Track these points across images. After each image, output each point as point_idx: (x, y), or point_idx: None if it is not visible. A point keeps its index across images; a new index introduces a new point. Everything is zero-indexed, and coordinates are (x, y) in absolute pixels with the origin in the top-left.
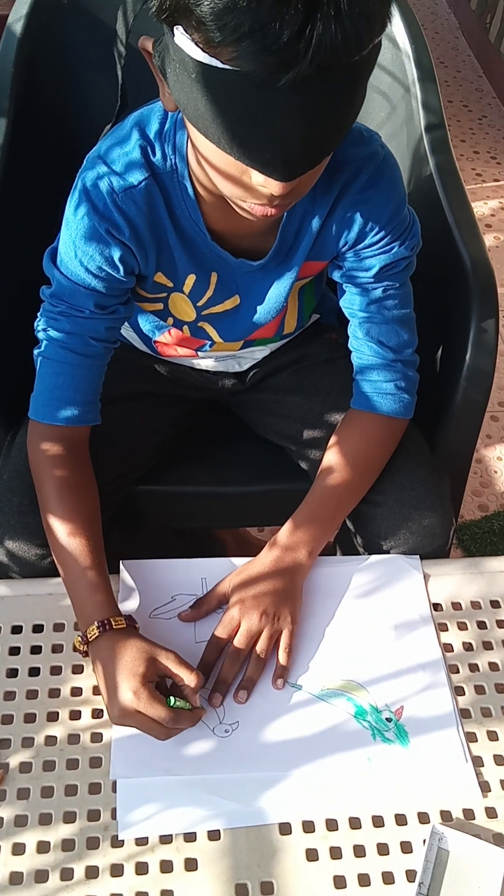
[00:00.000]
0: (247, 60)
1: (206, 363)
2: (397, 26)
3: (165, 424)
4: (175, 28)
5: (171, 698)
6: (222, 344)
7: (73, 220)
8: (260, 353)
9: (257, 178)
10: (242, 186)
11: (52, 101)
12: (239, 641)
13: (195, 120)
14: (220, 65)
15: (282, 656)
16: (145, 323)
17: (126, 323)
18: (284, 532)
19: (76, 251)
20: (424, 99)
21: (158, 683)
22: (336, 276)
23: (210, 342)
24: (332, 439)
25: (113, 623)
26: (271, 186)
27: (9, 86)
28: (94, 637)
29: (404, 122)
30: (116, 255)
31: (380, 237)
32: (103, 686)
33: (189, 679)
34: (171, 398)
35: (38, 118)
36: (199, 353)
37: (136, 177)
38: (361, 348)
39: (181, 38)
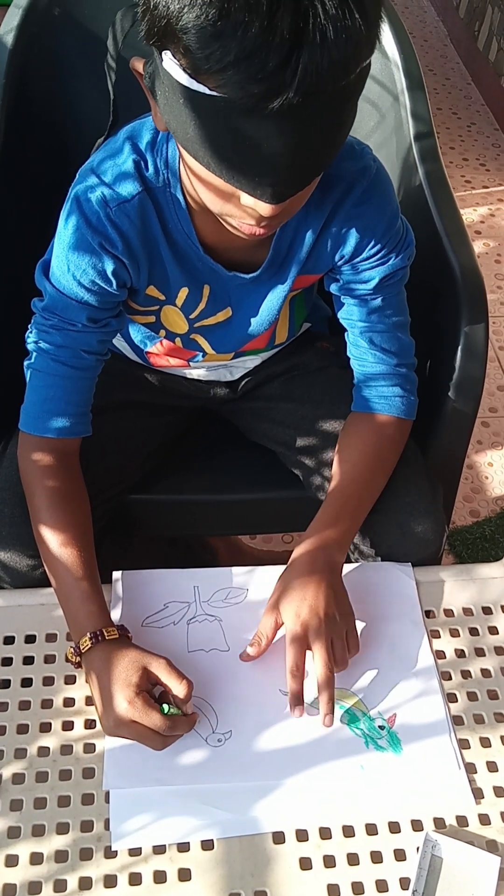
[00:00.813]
0: (233, 88)
1: (197, 373)
2: (386, 36)
3: (157, 433)
4: (164, 53)
5: (165, 706)
6: (214, 355)
7: (66, 233)
8: (251, 362)
9: (246, 200)
10: (232, 206)
11: (43, 111)
12: (320, 657)
13: (184, 143)
14: (206, 91)
15: (351, 651)
16: (136, 334)
17: (119, 335)
18: (312, 533)
19: (68, 264)
20: (413, 108)
21: (149, 692)
22: (333, 288)
23: (202, 353)
24: (344, 440)
25: (105, 634)
26: (260, 208)
27: (0, 96)
28: (86, 648)
29: (394, 130)
30: (109, 268)
31: (376, 250)
32: (97, 697)
33: (178, 689)
34: (163, 407)
35: (30, 129)
36: (190, 363)
37: (129, 190)
38: (365, 356)
39: (169, 63)
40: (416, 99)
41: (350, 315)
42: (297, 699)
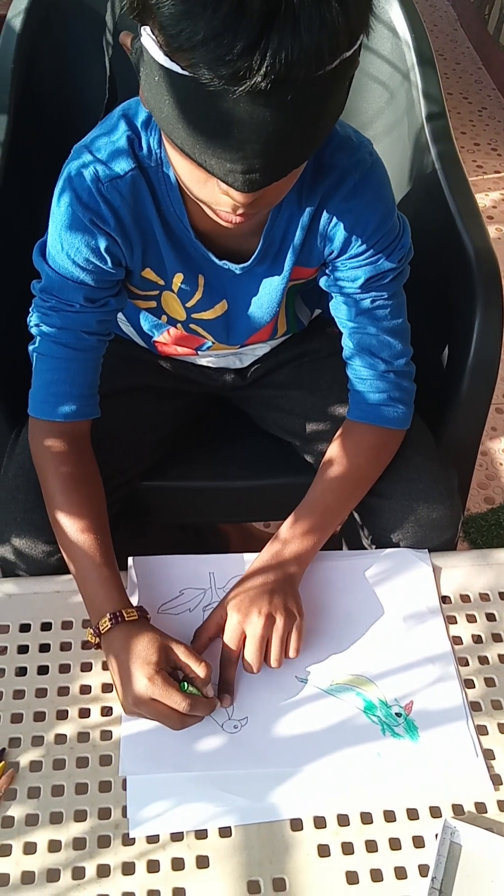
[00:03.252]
0: (202, 69)
1: (206, 360)
2: (396, 15)
3: (169, 418)
4: (143, 28)
5: (185, 684)
6: (220, 344)
7: (58, 212)
8: (260, 350)
9: (221, 187)
10: (208, 191)
11: (51, 96)
12: (249, 654)
13: (161, 121)
14: (179, 70)
15: (291, 653)
16: (144, 322)
17: (127, 321)
18: (275, 544)
19: (62, 243)
20: (425, 88)
21: (169, 673)
22: (324, 284)
23: (208, 342)
24: (328, 450)
25: (125, 614)
26: (233, 195)
27: (9, 82)
28: (106, 629)
29: (405, 111)
30: (102, 245)
31: (364, 248)
32: (117, 676)
33: (199, 669)
34: (174, 392)
35: (39, 114)
36: (198, 352)
37: (121, 167)
38: (353, 359)
39: (147, 39)
40: (428, 78)
41: (340, 313)
42: (227, 686)
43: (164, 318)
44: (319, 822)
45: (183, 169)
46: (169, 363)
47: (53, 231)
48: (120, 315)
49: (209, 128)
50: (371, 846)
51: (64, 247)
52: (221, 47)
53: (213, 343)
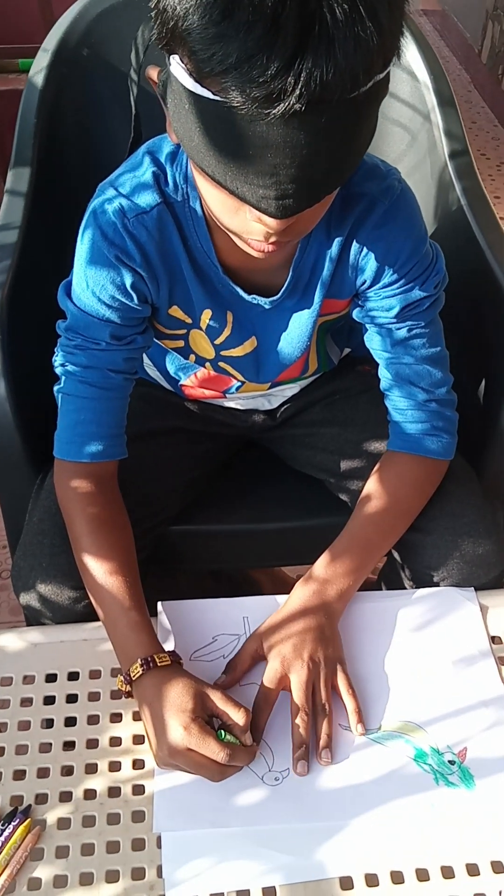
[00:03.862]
0: (234, 92)
1: (234, 403)
2: (414, 57)
3: (197, 461)
4: (172, 57)
5: (222, 732)
6: (249, 385)
7: (82, 249)
8: (290, 390)
9: (253, 214)
10: (240, 221)
11: (74, 149)
12: (298, 699)
13: (191, 151)
14: (210, 95)
15: (349, 701)
16: (171, 365)
17: (153, 365)
18: (311, 573)
19: (87, 280)
20: (446, 127)
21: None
22: (357, 315)
23: (237, 384)
24: (367, 483)
25: (157, 660)
26: (266, 222)
27: (32, 135)
28: (137, 676)
29: (427, 152)
30: (128, 281)
31: (397, 277)
32: (150, 725)
33: (237, 717)
34: (202, 434)
35: (62, 166)
36: (226, 394)
37: (147, 201)
38: (392, 390)
39: (177, 68)
40: (449, 117)
41: (375, 344)
42: (259, 732)
43: (192, 357)
44: (371, 880)
45: (213, 198)
46: (196, 406)
47: (78, 269)
48: (146, 359)
49: (241, 154)
50: None
51: (89, 284)
52: (255, 69)
53: (242, 384)
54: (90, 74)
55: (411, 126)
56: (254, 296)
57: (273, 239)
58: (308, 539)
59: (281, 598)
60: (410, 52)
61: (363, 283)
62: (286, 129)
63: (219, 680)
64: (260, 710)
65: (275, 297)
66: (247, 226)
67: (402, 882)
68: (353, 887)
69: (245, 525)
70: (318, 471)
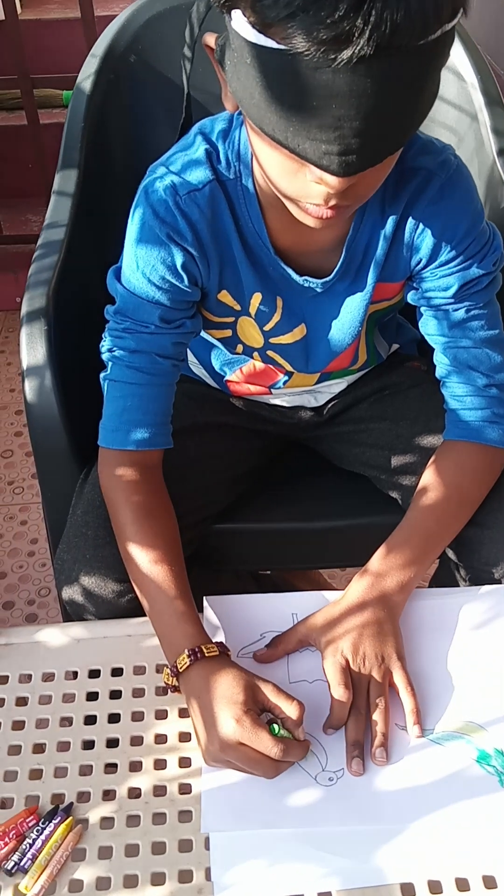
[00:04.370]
0: (300, 37)
1: (280, 400)
2: (460, 58)
3: (242, 457)
4: (232, 12)
5: (275, 726)
6: (297, 378)
7: (133, 228)
8: (337, 386)
9: (314, 173)
10: (299, 184)
11: (119, 153)
12: (357, 692)
13: (251, 110)
14: (274, 45)
15: (408, 700)
16: (216, 360)
17: (198, 361)
18: (369, 566)
19: (137, 261)
20: (494, 124)
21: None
22: (412, 298)
23: (285, 377)
24: (424, 473)
25: (205, 650)
26: (328, 180)
27: (79, 139)
28: (184, 667)
29: (474, 151)
30: (179, 261)
31: (455, 254)
32: (199, 719)
33: (291, 710)
34: (248, 431)
35: (107, 169)
36: (272, 390)
37: (199, 178)
38: (449, 376)
39: (237, 22)
40: (496, 115)
41: (431, 329)
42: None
43: (240, 348)
44: (435, 887)
45: (272, 161)
46: (242, 402)
47: (128, 249)
48: (190, 356)
49: (305, 105)
50: None
51: (139, 265)
52: (324, 9)
53: (289, 378)
54: (137, 80)
55: (458, 128)
56: (306, 277)
57: (333, 202)
58: (355, 539)
59: (330, 595)
60: (456, 53)
61: (419, 263)
62: (353, 77)
63: (259, 652)
64: (340, 704)
65: (327, 279)
66: (306, 188)
67: (468, 889)
68: (415, 894)
69: (290, 524)
70: (368, 468)
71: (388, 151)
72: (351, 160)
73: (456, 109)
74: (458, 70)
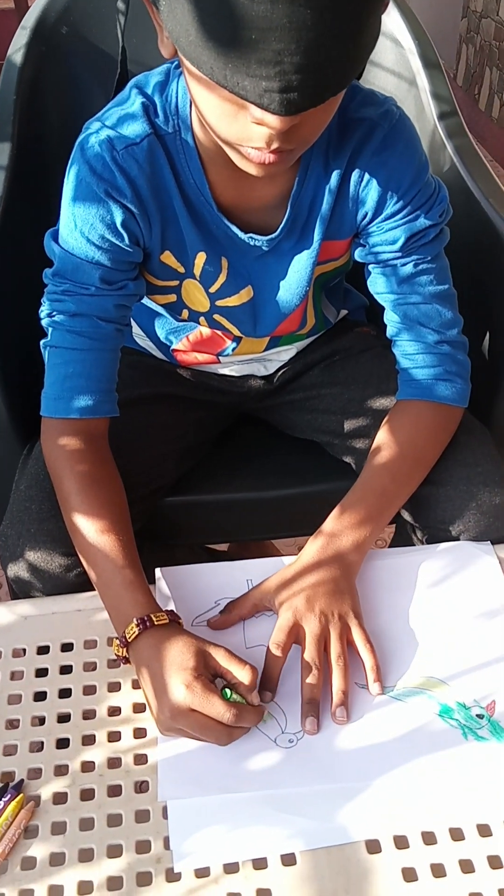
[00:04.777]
0: None
1: (229, 369)
2: (398, 24)
3: (191, 428)
4: None
5: (227, 691)
6: (245, 344)
7: (69, 186)
8: (286, 353)
9: (254, 114)
10: (239, 127)
11: (54, 125)
12: (310, 653)
13: (187, 50)
14: None
15: (367, 657)
16: (161, 329)
17: (143, 332)
18: (324, 527)
19: (75, 220)
20: (433, 89)
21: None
22: (360, 255)
23: (233, 343)
24: (378, 433)
25: (154, 619)
26: (269, 120)
27: (12, 111)
28: (133, 636)
29: (415, 117)
30: (118, 219)
31: (401, 205)
32: (149, 688)
33: (243, 674)
34: (196, 402)
35: (41, 142)
36: (220, 358)
37: (136, 132)
38: (400, 334)
39: None
40: (435, 80)
41: (380, 286)
42: (271, 684)
43: (186, 313)
44: (401, 843)
45: (211, 104)
46: (189, 373)
47: (65, 208)
48: (134, 327)
49: (243, 40)
50: (466, 866)
51: (77, 224)
52: None
53: (237, 344)
54: (70, 52)
55: (397, 93)
56: (251, 235)
57: (275, 145)
58: (310, 506)
59: (287, 559)
60: (392, 20)
61: (364, 217)
62: (292, 7)
63: (213, 618)
64: (273, 663)
65: (273, 236)
66: (247, 131)
67: (436, 843)
68: (381, 851)
69: (243, 494)
70: (320, 433)
71: (330, 91)
72: (292, 97)
73: (394, 76)
74: (396, 36)
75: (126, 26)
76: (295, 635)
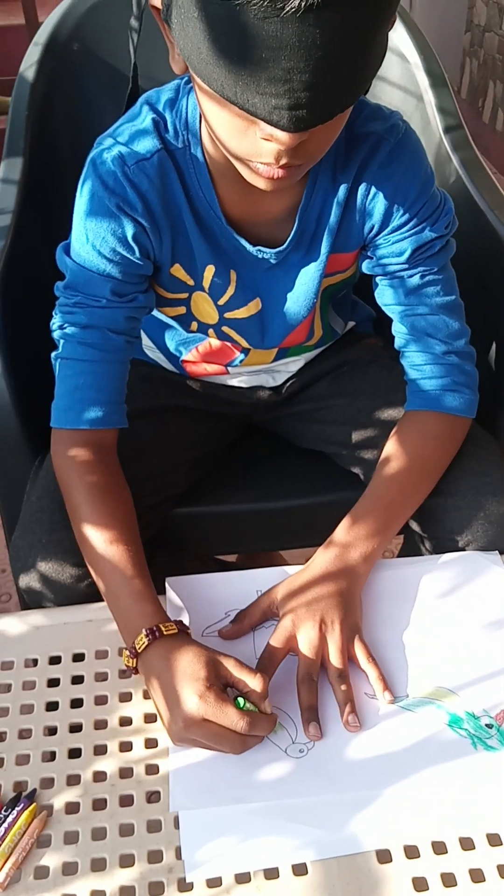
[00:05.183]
0: None
1: (237, 380)
2: (403, 40)
3: (200, 440)
4: None
5: (240, 700)
6: (254, 356)
7: (81, 201)
8: (294, 364)
9: (264, 130)
10: (249, 143)
11: (67, 140)
12: (304, 660)
13: (198, 67)
14: None
15: (370, 669)
16: (171, 341)
17: (152, 343)
18: (334, 537)
19: (87, 233)
20: (439, 103)
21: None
22: (367, 267)
23: (241, 355)
24: (386, 444)
25: (163, 629)
26: (278, 138)
27: (24, 127)
28: (143, 647)
29: (421, 130)
30: (129, 232)
31: (407, 217)
32: (161, 700)
33: (255, 683)
34: (206, 413)
35: (53, 157)
36: (229, 369)
37: (147, 147)
38: (408, 345)
39: None
40: (441, 95)
41: (387, 298)
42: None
43: (195, 325)
44: (412, 852)
45: (221, 120)
46: (199, 384)
47: (78, 222)
48: (144, 339)
49: (253, 58)
50: (477, 875)
51: (89, 237)
52: None
53: (246, 355)
54: (81, 67)
55: (404, 108)
56: (259, 247)
57: (284, 160)
58: (318, 517)
59: (294, 570)
60: (399, 35)
61: (371, 229)
62: (301, 27)
63: (224, 629)
64: (263, 670)
65: (281, 248)
66: (256, 146)
67: (446, 853)
68: (391, 860)
69: (252, 504)
70: (329, 444)
71: (338, 107)
72: (301, 115)
73: (401, 90)
74: (401, 51)
75: (138, 43)
76: (291, 644)
